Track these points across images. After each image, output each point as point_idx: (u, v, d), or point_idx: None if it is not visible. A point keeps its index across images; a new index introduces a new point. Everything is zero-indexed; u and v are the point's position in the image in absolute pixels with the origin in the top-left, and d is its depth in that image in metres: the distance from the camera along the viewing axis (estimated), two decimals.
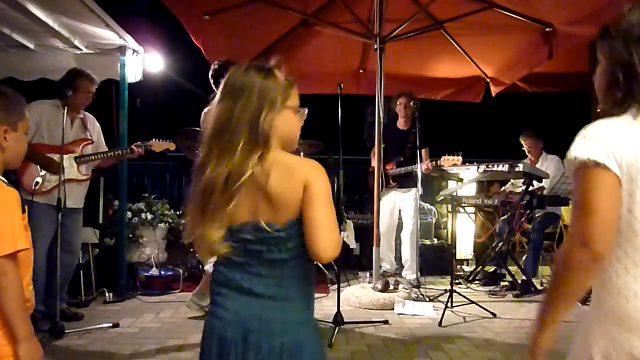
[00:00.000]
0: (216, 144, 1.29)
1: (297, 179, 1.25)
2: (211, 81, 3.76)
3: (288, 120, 1.36)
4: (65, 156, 3.39)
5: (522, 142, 5.33)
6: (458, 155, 4.35)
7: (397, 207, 5.00)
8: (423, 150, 4.66)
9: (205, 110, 3.62)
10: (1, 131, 1.47)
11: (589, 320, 1.17)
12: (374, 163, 5.02)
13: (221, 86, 1.36)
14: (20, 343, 1.38)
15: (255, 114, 1.28)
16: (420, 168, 4.45)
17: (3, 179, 1.48)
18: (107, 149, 3.86)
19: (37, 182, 3.30)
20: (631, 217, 1.06)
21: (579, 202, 1.07)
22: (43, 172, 3.45)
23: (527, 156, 5.39)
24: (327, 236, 1.24)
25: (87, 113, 3.80)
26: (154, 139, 3.87)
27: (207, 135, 1.33)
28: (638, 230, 1.06)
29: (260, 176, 1.25)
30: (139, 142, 3.82)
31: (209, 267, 3.78)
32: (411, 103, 4.76)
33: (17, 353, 1.37)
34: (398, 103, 4.92)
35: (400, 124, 5.00)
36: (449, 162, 4.39)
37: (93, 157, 3.68)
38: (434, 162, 4.48)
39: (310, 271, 1.36)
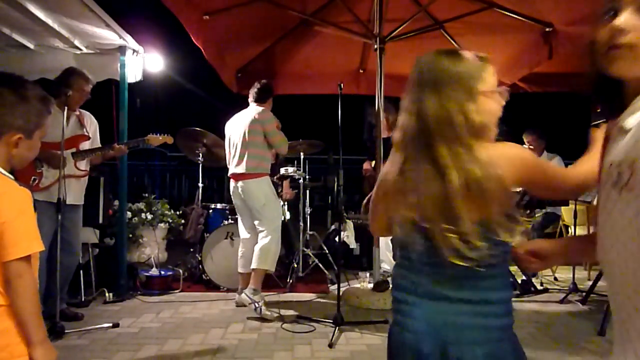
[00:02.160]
0: (416, 146, 1.20)
1: (497, 176, 1.13)
2: (255, 91, 4.09)
3: (484, 108, 1.21)
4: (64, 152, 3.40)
5: (525, 139, 5.35)
6: None
7: None
8: None
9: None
10: (14, 139, 1.44)
11: None
12: (366, 166, 5.06)
13: (411, 79, 1.27)
14: (35, 346, 1.35)
15: (451, 107, 1.18)
16: None
17: (11, 177, 1.45)
18: (101, 146, 3.90)
19: (34, 179, 3.31)
20: None
21: None
22: (40, 169, 3.47)
23: None
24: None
25: (83, 110, 3.82)
26: (150, 134, 3.90)
27: (405, 134, 1.24)
28: None
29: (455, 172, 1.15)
30: (125, 141, 3.89)
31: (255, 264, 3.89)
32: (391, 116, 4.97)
33: (33, 356, 1.34)
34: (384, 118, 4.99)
35: (384, 133, 5.09)
36: None
37: (90, 153, 3.74)
38: None
39: (507, 274, 1.25)
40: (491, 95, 1.23)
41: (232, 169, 4.06)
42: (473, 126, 1.17)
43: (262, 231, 3.93)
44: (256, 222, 3.98)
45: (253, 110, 4.05)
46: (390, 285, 4.55)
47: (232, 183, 4.08)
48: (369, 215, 1.42)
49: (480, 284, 1.16)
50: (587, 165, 1.22)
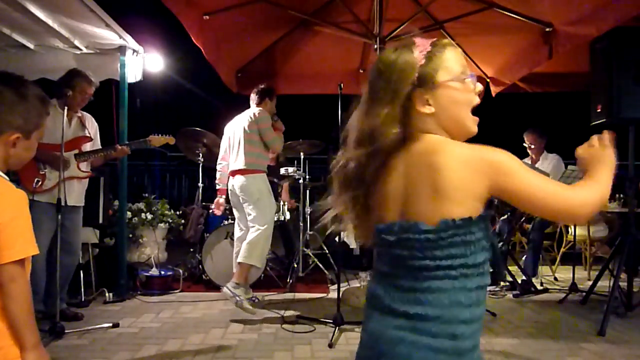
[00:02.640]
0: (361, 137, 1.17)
1: (473, 172, 1.03)
2: (253, 94, 4.23)
3: (445, 98, 1.12)
4: (65, 154, 3.40)
5: (526, 138, 5.36)
6: None
7: None
8: None
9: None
10: (12, 138, 1.41)
11: None
12: None
13: None
14: (28, 351, 1.33)
15: (389, 102, 1.13)
16: None
17: (7, 178, 1.42)
18: (101, 148, 3.91)
19: (37, 181, 3.31)
20: None
21: None
22: (43, 171, 3.48)
23: (528, 155, 5.40)
24: (552, 199, 1.03)
25: (84, 112, 3.83)
26: (152, 135, 3.91)
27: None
28: None
29: (414, 168, 1.09)
30: (126, 142, 3.90)
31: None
32: None
33: None
34: None
35: None
36: None
37: (93, 154, 3.74)
38: None
39: (468, 293, 1.06)
40: (446, 87, 1.12)
41: (231, 165, 4.14)
42: (423, 122, 1.12)
43: (252, 226, 3.97)
44: (249, 218, 4.02)
45: (251, 111, 4.17)
46: None
47: (229, 180, 4.14)
48: None
49: (419, 297, 1.06)
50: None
